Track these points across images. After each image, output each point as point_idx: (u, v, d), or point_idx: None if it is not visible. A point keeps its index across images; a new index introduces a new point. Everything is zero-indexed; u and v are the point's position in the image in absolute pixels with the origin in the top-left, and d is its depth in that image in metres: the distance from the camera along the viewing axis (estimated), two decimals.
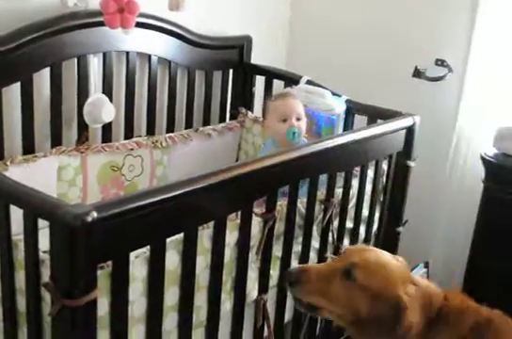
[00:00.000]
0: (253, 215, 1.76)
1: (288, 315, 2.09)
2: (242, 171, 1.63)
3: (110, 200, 1.34)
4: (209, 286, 1.70)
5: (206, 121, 2.80)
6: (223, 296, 1.75)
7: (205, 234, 1.64)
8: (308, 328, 2.25)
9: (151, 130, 2.57)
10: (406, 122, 2.33)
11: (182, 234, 1.55)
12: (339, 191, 2.14)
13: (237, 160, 2.94)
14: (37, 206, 1.32)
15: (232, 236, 1.72)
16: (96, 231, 1.26)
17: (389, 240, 2.55)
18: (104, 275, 1.39)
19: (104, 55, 2.32)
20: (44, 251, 1.39)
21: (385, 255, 1.74)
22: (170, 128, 2.65)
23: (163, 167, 2.55)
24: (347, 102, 2.60)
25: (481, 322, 1.66)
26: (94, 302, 1.31)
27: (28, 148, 2.15)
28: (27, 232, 1.36)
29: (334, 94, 2.60)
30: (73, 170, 2.22)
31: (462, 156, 2.82)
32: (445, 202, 2.91)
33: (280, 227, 1.91)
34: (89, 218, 1.24)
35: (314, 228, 2.08)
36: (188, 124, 2.72)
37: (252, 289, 1.88)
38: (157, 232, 1.45)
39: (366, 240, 2.41)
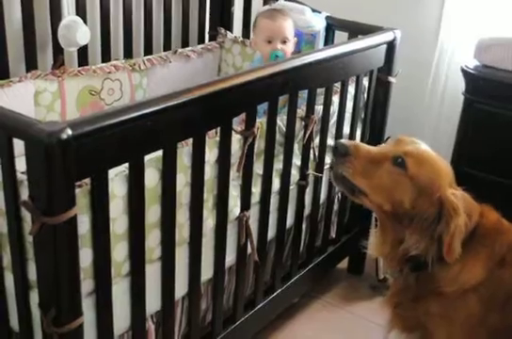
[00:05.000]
0: (233, 132, 1.75)
1: (271, 233, 2.12)
2: (220, 87, 1.61)
3: (85, 117, 1.32)
4: (190, 204, 1.71)
5: (185, 43, 2.76)
6: (205, 213, 1.76)
7: (184, 152, 1.64)
8: (291, 245, 2.30)
9: (128, 53, 2.53)
10: (386, 37, 2.30)
11: (161, 152, 1.54)
12: (319, 108, 2.14)
13: None
14: (10, 126, 1.30)
15: (211, 154, 1.72)
16: (71, 148, 1.25)
17: None
18: (83, 193, 1.39)
19: None
20: (23, 172, 1.39)
21: (435, 153, 1.71)
22: (148, 51, 2.61)
23: (142, 90, 2.53)
24: (327, 18, 2.56)
25: None
26: (74, 219, 1.31)
27: (2, 73, 2.11)
28: (3, 152, 1.35)
29: (314, 11, 2.55)
30: (51, 95, 2.19)
31: (444, 70, 2.81)
32: (427, 117, 2.93)
33: (260, 145, 1.92)
34: (64, 136, 1.23)
35: (296, 146, 2.08)
36: (167, 47, 2.69)
37: (234, 206, 1.89)
38: (135, 149, 1.44)
39: None
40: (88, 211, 1.42)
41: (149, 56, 2.53)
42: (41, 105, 2.18)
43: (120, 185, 1.49)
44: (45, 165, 1.24)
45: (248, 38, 2.81)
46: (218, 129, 1.71)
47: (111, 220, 1.47)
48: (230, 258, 1.96)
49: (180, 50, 2.64)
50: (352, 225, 2.66)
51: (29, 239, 1.43)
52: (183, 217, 1.71)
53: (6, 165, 1.37)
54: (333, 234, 2.58)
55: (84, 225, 1.42)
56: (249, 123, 1.79)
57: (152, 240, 1.64)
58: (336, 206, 2.51)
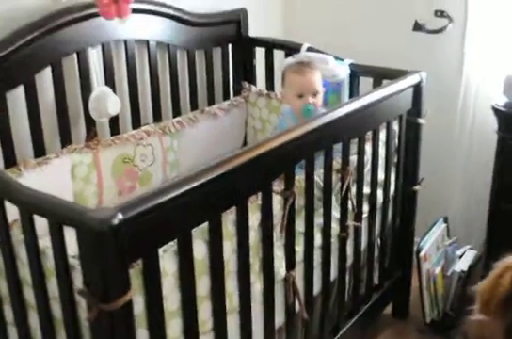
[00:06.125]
0: (273, 194, 1.74)
1: (316, 288, 2.10)
2: (260, 151, 1.62)
3: (133, 199, 1.32)
4: (238, 271, 1.70)
5: (210, 101, 2.77)
6: (252, 278, 1.75)
7: (229, 220, 1.64)
8: (336, 297, 2.26)
9: (157, 117, 2.54)
10: (413, 80, 2.32)
11: (206, 223, 1.54)
12: (353, 158, 2.13)
13: (246, 137, 2.94)
14: (61, 214, 1.30)
15: (254, 218, 1.72)
16: (123, 232, 1.25)
17: (407, 200, 2.55)
18: (135, 274, 1.38)
19: (103, 46, 2.27)
20: (73, 256, 1.40)
21: None
22: (176, 112, 2.62)
23: (173, 152, 2.54)
24: (351, 65, 2.57)
25: None
26: (130, 303, 1.31)
27: (39, 150, 2.13)
28: (54, 240, 1.35)
29: (337, 59, 2.56)
30: (87, 168, 2.20)
31: (471, 107, 2.79)
32: (459, 156, 2.90)
33: (299, 201, 1.90)
34: (115, 221, 1.22)
35: (333, 198, 2.07)
36: (193, 106, 2.69)
37: (280, 267, 1.88)
38: (183, 224, 1.44)
39: (384, 203, 2.41)
40: (142, 291, 1.41)
41: (178, 118, 2.55)
42: (78, 178, 2.18)
43: (170, 262, 1.49)
44: (98, 252, 1.25)
45: (273, 90, 2.83)
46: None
47: (164, 298, 1.46)
48: (278, 319, 1.93)
49: (207, 109, 2.65)
50: (393, 269, 2.64)
51: (85, 323, 1.43)
52: (231, 285, 1.70)
53: (57, 252, 1.37)
54: (376, 281, 2.54)
55: (138, 306, 1.41)
56: (289, 184, 1.79)
57: (204, 312, 1.62)
58: (376, 252, 2.48)
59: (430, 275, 2.62)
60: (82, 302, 1.40)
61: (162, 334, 1.48)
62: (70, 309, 1.42)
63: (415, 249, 2.62)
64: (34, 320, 1.60)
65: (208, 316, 1.65)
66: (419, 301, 2.67)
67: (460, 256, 2.78)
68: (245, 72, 2.88)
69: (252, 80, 2.89)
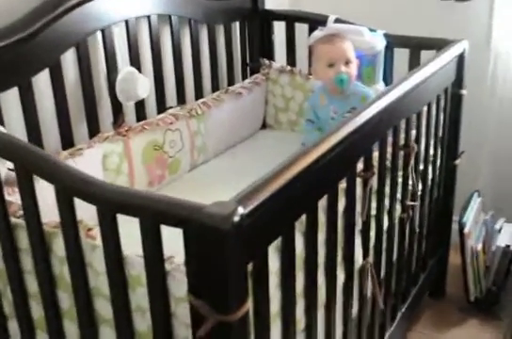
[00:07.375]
0: None
1: (382, 273, 1.94)
2: (347, 131, 1.43)
3: (248, 189, 1.11)
4: (325, 262, 1.53)
5: (230, 79, 2.58)
6: (337, 268, 1.59)
7: (320, 207, 1.45)
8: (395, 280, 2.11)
9: (181, 98, 2.35)
10: (458, 50, 2.17)
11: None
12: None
13: (265, 116, 2.75)
14: (162, 212, 1.10)
15: (340, 204, 1.54)
16: (245, 230, 1.04)
17: (448, 175, 2.43)
18: None
19: (126, 23, 2.07)
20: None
21: None
22: (199, 92, 2.44)
23: (201, 136, 2.35)
24: (385, 36, 2.39)
25: None
26: (248, 312, 1.12)
27: (66, 138, 1.93)
28: (149, 244, 1.14)
29: (370, 30, 2.38)
30: (118, 157, 2.00)
31: (501, 75, 2.67)
32: (490, 125, 2.78)
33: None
34: (237, 218, 1.02)
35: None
36: (214, 85, 2.52)
37: (358, 255, 1.72)
38: (288, 217, 1.25)
39: (433, 179, 2.27)
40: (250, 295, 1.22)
41: (203, 100, 2.37)
42: (110, 170, 1.98)
43: (272, 259, 1.30)
44: (216, 255, 1.04)
45: (294, 66, 2.64)
46: None
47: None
48: (354, 309, 1.78)
49: (231, 88, 2.48)
50: (436, 248, 2.51)
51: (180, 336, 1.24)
52: (320, 278, 1.52)
53: (153, 258, 1.17)
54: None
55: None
56: (368, 164, 1.63)
57: (299, 311, 1.45)
58: (425, 231, 2.34)
59: (473, 252, 2.50)
60: (177, 313, 1.21)
61: None
62: (164, 322, 1.23)
63: (456, 225, 2.49)
64: (106, 336, 1.39)
65: (301, 315, 1.48)
66: (455, 280, 2.58)
67: (499, 230, 2.69)
68: (262, 49, 2.69)
69: (270, 56, 2.70)
